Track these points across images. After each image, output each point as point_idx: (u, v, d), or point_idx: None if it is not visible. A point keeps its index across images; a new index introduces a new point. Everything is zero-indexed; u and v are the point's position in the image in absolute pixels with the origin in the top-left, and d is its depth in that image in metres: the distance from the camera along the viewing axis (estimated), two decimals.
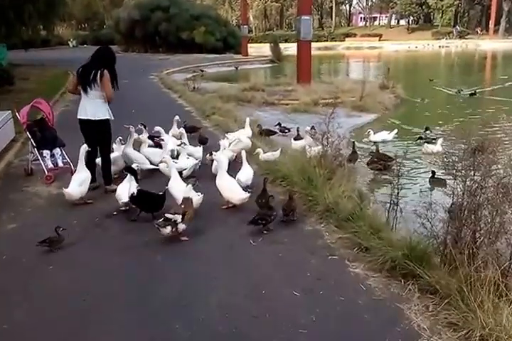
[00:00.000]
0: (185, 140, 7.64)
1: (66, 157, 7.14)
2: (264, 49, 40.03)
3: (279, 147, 7.82)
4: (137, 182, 5.45)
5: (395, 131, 10.26)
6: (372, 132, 10.04)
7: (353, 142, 8.24)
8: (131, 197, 5.26)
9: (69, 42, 60.10)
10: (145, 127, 8.03)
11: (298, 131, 9.24)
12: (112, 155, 6.65)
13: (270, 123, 11.29)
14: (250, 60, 33.83)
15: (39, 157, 6.92)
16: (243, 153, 6.65)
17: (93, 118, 6.05)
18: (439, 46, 55.25)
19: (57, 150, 7.13)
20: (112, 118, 6.34)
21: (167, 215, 4.71)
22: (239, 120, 11.00)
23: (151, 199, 5.36)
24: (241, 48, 37.44)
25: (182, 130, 8.01)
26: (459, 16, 69.16)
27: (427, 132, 10.52)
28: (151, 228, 4.83)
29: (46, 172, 6.80)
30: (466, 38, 59.27)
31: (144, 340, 3.37)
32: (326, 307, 3.69)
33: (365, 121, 12.70)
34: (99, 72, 5.92)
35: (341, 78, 22.63)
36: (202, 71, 24.80)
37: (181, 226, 4.73)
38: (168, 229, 4.67)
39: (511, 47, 48.89)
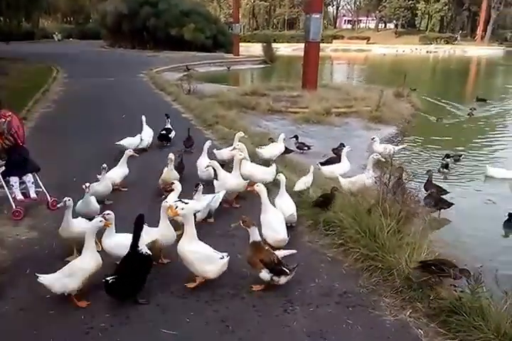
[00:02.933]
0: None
1: (40, 184, 5.30)
2: (253, 48, 38.36)
3: (307, 171, 6.11)
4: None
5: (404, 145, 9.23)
6: (377, 140, 8.37)
7: (429, 171, 6.50)
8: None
9: (54, 36, 57.12)
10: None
11: (335, 151, 7.43)
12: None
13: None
14: (242, 60, 31.92)
15: (4, 185, 5.08)
16: (282, 178, 4.96)
17: None
18: (427, 51, 54.42)
19: (28, 177, 5.28)
20: None
21: None
22: (247, 131, 9.23)
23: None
24: (232, 47, 35.49)
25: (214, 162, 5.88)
26: (445, 22, 68.80)
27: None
28: None
29: (14, 206, 4.97)
30: (453, 44, 58.77)
31: None
32: None
33: (386, 134, 11.06)
34: None
35: (346, 83, 20.96)
36: (188, 69, 22.74)
37: None
38: None
39: (496, 54, 48.42)
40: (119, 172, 5.87)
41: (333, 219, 4.78)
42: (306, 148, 8.67)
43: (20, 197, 5.12)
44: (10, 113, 5.40)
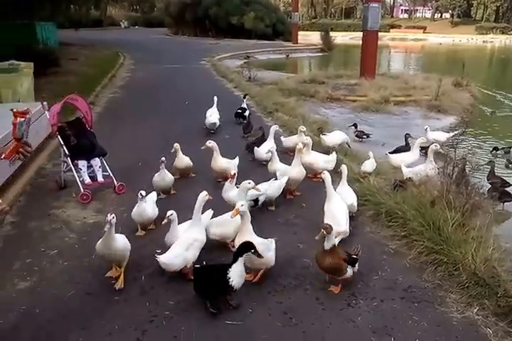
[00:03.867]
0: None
1: (107, 169, 5.31)
2: (311, 37, 37.45)
3: (367, 157, 5.84)
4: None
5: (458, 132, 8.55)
6: (429, 129, 7.93)
7: (491, 162, 6.06)
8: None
9: (121, 23, 58.59)
10: None
11: (406, 138, 7.09)
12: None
13: (340, 125, 9.23)
14: (301, 48, 31.28)
15: (73, 169, 5.12)
16: (344, 169, 4.74)
17: None
18: (483, 41, 51.59)
19: (95, 161, 5.28)
20: None
21: None
22: (306, 118, 9.00)
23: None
24: (291, 36, 34.91)
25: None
26: (501, 12, 65.61)
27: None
28: None
29: (82, 189, 5.00)
30: (509, 34, 55.42)
31: None
32: None
33: (446, 124, 10.43)
34: None
35: (404, 71, 20.05)
36: (248, 57, 22.54)
37: None
38: None
39: None
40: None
41: (396, 210, 4.51)
42: (365, 136, 8.31)
43: (88, 180, 5.12)
44: (79, 97, 5.43)
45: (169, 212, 3.62)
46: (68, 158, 5.11)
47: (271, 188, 4.82)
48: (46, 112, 5.37)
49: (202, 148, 5.43)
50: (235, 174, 4.59)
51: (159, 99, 11.38)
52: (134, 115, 9.40)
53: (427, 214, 4.20)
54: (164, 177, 5.02)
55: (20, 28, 15.56)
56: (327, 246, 3.32)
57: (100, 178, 5.20)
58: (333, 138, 6.83)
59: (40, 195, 5.22)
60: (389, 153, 6.51)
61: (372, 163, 5.69)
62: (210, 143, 5.45)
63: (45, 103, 5.73)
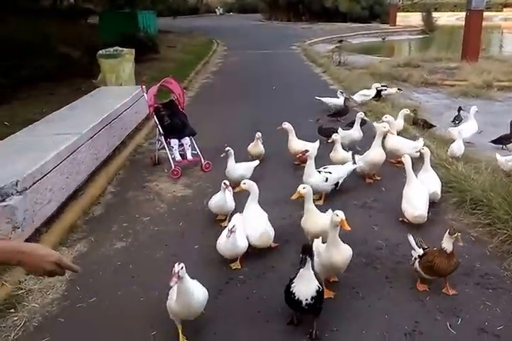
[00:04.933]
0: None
1: (196, 148, 5.77)
2: (411, 18, 35.80)
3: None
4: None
5: None
6: None
7: None
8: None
9: (216, 10, 60.22)
10: None
11: None
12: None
13: (434, 111, 8.98)
14: (399, 30, 30.21)
15: (166, 147, 5.64)
16: (426, 151, 4.71)
17: None
18: None
19: (186, 140, 5.75)
20: None
21: None
22: (396, 104, 8.88)
23: None
24: (388, 17, 33.74)
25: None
26: None
27: None
28: None
29: (173, 165, 5.51)
30: None
31: None
32: None
33: None
34: None
35: None
36: (340, 41, 22.25)
37: None
38: None
39: None
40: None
41: (481, 198, 4.43)
42: (456, 121, 7.95)
43: (178, 158, 5.61)
44: (173, 80, 5.93)
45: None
46: (162, 137, 5.64)
47: (336, 171, 4.85)
48: (145, 94, 5.93)
49: (278, 129, 5.69)
50: (306, 151, 4.69)
51: (248, 84, 11.79)
52: (224, 99, 9.89)
53: None
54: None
55: (125, 16, 16.78)
56: (450, 247, 3.14)
57: (189, 156, 5.67)
58: (467, 129, 6.52)
59: (136, 169, 5.85)
60: (491, 141, 6.25)
61: (459, 145, 5.55)
62: (286, 125, 5.66)
63: (144, 86, 6.32)
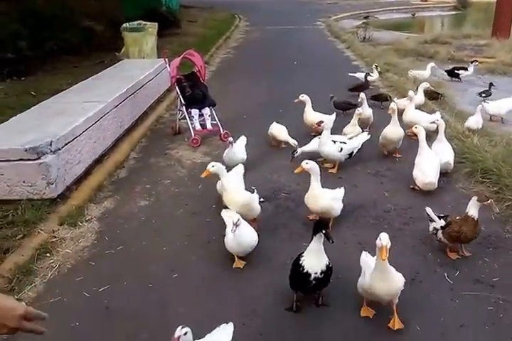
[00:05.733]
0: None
1: (216, 118, 6.11)
2: None
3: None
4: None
5: None
6: None
7: None
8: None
9: None
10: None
11: None
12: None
13: (459, 87, 9.11)
14: (430, 6, 29.69)
15: (187, 116, 6.00)
16: (441, 123, 4.96)
17: None
18: None
19: (206, 110, 6.11)
20: None
21: None
22: (418, 80, 9.01)
23: None
24: None
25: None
26: None
27: None
28: None
29: (193, 134, 5.87)
30: None
31: None
32: None
33: None
34: None
35: None
36: (367, 17, 22.08)
37: None
38: None
39: None
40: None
41: (492, 168, 4.69)
42: (483, 94, 8.06)
43: (198, 127, 5.99)
44: (195, 52, 6.26)
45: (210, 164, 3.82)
46: (183, 107, 6.00)
47: (350, 142, 5.10)
48: (167, 66, 6.28)
49: (295, 101, 5.98)
50: (321, 122, 4.97)
51: (269, 60, 11.99)
52: (244, 74, 10.18)
53: None
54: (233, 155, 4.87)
55: None
56: (476, 214, 3.33)
57: (209, 126, 6.03)
58: (499, 105, 6.78)
59: (158, 138, 6.26)
60: None
61: (477, 119, 5.73)
62: (303, 97, 5.95)
63: (166, 58, 6.64)
